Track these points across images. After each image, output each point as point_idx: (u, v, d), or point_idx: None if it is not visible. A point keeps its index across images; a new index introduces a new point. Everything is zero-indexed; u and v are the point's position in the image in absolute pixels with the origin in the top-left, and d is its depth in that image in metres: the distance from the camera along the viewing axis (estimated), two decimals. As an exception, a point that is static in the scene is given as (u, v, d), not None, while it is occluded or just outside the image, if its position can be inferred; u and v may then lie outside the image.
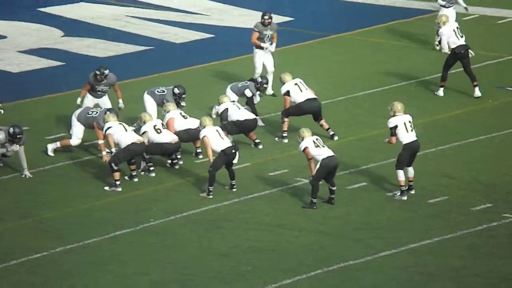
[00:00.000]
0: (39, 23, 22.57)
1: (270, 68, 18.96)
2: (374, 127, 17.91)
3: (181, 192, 16.22)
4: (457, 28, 19.00)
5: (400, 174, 15.64)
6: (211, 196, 15.92)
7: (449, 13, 20.29)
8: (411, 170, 15.68)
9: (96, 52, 21.36)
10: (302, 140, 15.50)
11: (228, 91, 18.06)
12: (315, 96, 17.51)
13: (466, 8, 20.58)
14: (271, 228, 15.09)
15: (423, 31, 21.98)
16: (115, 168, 16.07)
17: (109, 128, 16.28)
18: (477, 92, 19.15)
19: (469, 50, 18.97)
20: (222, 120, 17.19)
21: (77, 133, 17.04)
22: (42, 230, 15.14)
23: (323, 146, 15.51)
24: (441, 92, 19.28)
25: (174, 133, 16.71)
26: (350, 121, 18.25)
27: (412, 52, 21.20)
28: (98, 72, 17.46)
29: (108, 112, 16.63)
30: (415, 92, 19.69)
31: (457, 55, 18.93)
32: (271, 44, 18.93)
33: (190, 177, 16.69)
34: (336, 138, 17.56)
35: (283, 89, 17.49)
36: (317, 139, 15.54)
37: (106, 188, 16.23)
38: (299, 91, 17.41)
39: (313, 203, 15.53)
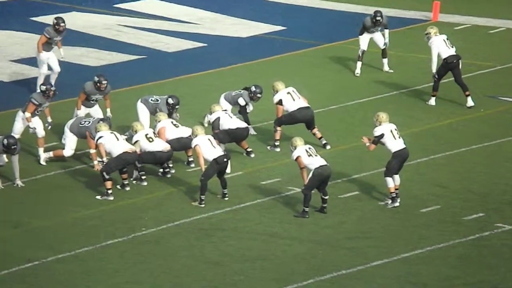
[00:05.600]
0: (31, 32, 22.54)
1: (57, 68, 19.41)
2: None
3: (173, 201, 16.19)
4: (447, 39, 19.00)
5: (389, 181, 15.64)
6: (203, 205, 15.89)
7: (375, 38, 20.09)
8: (397, 178, 15.69)
9: (88, 61, 21.34)
10: (295, 149, 15.50)
11: (222, 100, 18.06)
12: (307, 105, 17.51)
13: (386, 44, 20.39)
14: (263, 237, 15.06)
15: (415, 40, 22.01)
16: (107, 177, 16.04)
17: (100, 137, 16.26)
18: (470, 102, 19.17)
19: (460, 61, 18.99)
20: (214, 129, 17.17)
21: (70, 143, 17.03)
22: (33, 239, 15.07)
23: (316, 155, 15.50)
24: (432, 101, 19.30)
25: (166, 142, 16.70)
26: (342, 130, 18.24)
27: (404, 62, 21.22)
28: (99, 82, 17.46)
29: (100, 122, 16.61)
30: (407, 101, 19.70)
31: (449, 65, 18.94)
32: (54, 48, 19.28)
33: (182, 186, 16.65)
34: (328, 147, 17.56)
35: (276, 98, 17.49)
36: (309, 148, 15.54)
37: (98, 197, 16.19)
38: (291, 100, 17.41)
39: (305, 212, 15.51)
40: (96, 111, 17.72)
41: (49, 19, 22.96)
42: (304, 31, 22.21)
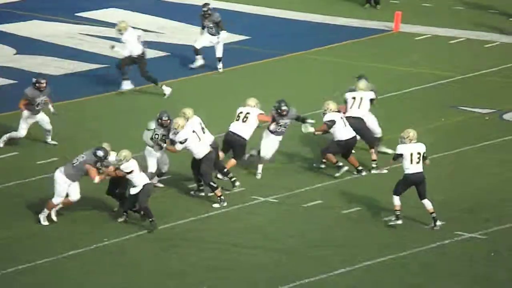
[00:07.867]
0: (-9, 41, 22.39)
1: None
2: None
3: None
4: (139, 36, 19.59)
5: (395, 199, 15.38)
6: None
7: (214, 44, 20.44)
8: (426, 202, 15.39)
9: (50, 70, 21.21)
10: (126, 161, 15.09)
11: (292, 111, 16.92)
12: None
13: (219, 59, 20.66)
14: (227, 246, 15.06)
15: (377, 51, 22.17)
16: (214, 185, 15.72)
17: (184, 140, 15.58)
18: (166, 90, 19.47)
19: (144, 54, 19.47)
20: (327, 127, 16.60)
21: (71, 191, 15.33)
22: (-6, 250, 14.96)
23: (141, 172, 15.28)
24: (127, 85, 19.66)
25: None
26: (306, 139, 18.30)
27: (366, 71, 21.36)
28: (37, 82, 17.19)
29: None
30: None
31: (135, 59, 19.58)
32: None
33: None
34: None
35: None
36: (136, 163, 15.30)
37: (216, 205, 15.84)
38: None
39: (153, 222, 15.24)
40: (43, 119, 17.56)
41: (9, 27, 22.81)
42: (268, 41, 22.29)
